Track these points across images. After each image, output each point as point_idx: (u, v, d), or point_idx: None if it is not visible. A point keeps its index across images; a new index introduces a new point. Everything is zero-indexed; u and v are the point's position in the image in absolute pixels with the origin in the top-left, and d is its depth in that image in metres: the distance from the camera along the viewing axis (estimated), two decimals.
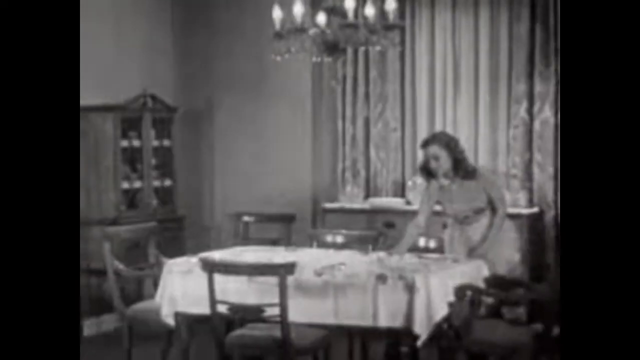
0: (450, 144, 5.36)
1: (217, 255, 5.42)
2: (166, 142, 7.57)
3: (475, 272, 5.14)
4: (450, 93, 7.26)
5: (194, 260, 5.09)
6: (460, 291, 4.74)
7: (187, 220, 7.66)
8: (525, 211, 6.77)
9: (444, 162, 5.33)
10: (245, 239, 6.86)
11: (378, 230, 6.57)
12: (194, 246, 7.11)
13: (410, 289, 4.58)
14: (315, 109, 7.62)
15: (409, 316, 4.56)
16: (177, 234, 7.39)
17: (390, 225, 6.92)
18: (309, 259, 5.13)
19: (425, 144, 5.43)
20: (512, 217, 6.53)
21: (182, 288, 5.06)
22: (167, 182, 7.56)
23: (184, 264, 5.17)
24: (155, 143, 7.45)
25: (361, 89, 7.45)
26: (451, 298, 4.71)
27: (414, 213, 6.60)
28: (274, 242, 6.76)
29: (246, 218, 6.97)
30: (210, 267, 4.66)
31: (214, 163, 8.09)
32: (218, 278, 4.63)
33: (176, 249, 6.93)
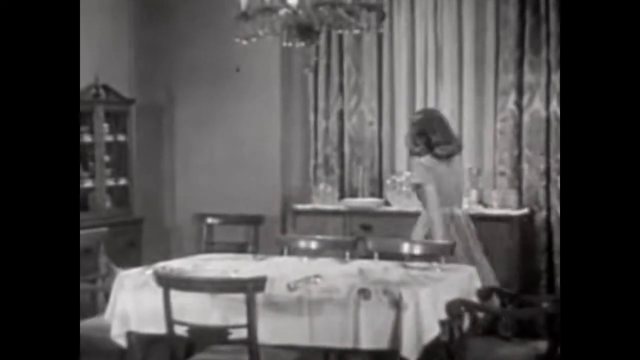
0: None
1: (176, 264, 4.90)
2: (121, 137, 7.18)
3: (467, 283, 4.71)
4: (432, 84, 6.88)
5: (149, 272, 4.60)
6: (453, 307, 4.30)
7: (145, 223, 7.30)
8: (514, 212, 6.32)
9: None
10: (209, 243, 6.74)
11: (356, 234, 6.20)
12: (152, 252, 6.88)
13: (397, 305, 4.10)
14: (285, 101, 7.30)
15: (396, 337, 4.10)
16: (133, 238, 7.03)
17: (367, 228, 6.53)
18: (280, 270, 4.66)
19: None
20: (500, 219, 6.14)
21: (135, 304, 4.54)
22: (122, 181, 7.20)
23: (137, 277, 4.64)
24: (109, 138, 7.07)
25: (335, 80, 7.09)
26: (443, 315, 4.26)
27: (393, 215, 6.27)
28: (241, 246, 6.58)
29: (210, 220, 6.77)
30: (166, 282, 4.11)
31: (174, 160, 7.75)
32: (176, 294, 4.12)
33: (132, 256, 6.72)
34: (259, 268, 4.72)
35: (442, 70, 6.82)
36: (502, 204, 6.36)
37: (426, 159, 5.67)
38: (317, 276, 4.44)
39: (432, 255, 5.15)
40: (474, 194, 6.46)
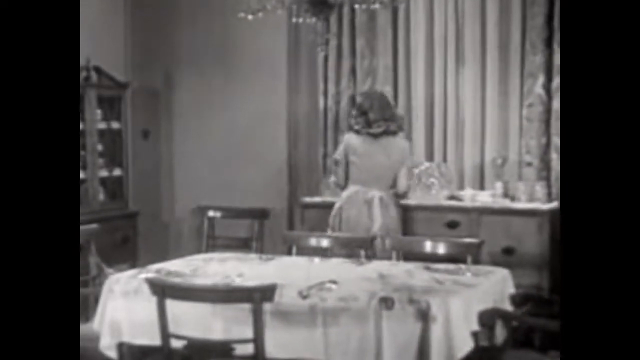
0: None
1: (173, 267, 4.48)
2: (115, 125, 6.93)
3: (501, 288, 4.29)
4: (452, 67, 6.45)
5: (143, 275, 4.19)
6: (487, 318, 3.89)
7: (140, 217, 7.06)
8: (543, 206, 5.84)
9: None
10: (210, 238, 6.50)
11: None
12: (149, 248, 6.78)
13: (425, 316, 3.67)
14: (292, 85, 6.98)
15: (423, 352, 3.69)
16: (128, 233, 6.78)
17: None
18: (289, 274, 4.27)
19: None
20: (529, 213, 5.70)
21: (126, 312, 4.14)
22: (117, 172, 6.94)
23: (128, 281, 4.21)
24: (102, 125, 6.81)
25: (346, 62, 6.72)
26: (475, 326, 3.84)
27: (410, 209, 6.04)
28: (244, 242, 6.38)
29: (211, 213, 6.53)
30: (161, 291, 3.65)
31: (173, 149, 7.52)
32: (173, 302, 3.70)
33: (127, 252, 6.56)
34: (265, 271, 4.36)
35: (463, 52, 6.41)
36: (530, 197, 5.94)
37: (349, 136, 5.73)
38: (331, 281, 4.02)
39: (458, 255, 4.77)
40: (498, 186, 6.05)
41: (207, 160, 7.28)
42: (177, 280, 4.05)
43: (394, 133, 5.68)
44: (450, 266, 4.46)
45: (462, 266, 4.45)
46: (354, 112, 5.80)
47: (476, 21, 6.34)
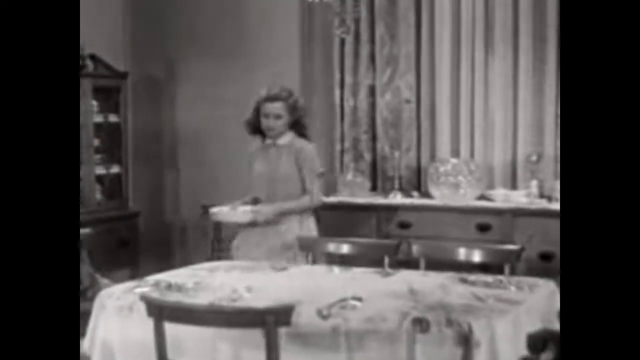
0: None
1: (174, 277, 4.04)
2: (113, 118, 6.66)
3: (549, 304, 3.84)
4: (480, 56, 6.11)
5: (139, 289, 3.79)
6: (537, 341, 3.30)
7: (141, 218, 6.79)
8: None
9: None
10: (217, 240, 6.44)
11: (392, 234, 5.61)
12: (150, 252, 6.54)
13: (466, 341, 3.27)
14: (305, 75, 6.66)
15: None
16: (127, 236, 6.48)
17: (405, 226, 5.81)
18: (306, 288, 3.85)
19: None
20: None
21: (120, 332, 3.72)
22: (115, 169, 6.69)
23: (123, 295, 3.78)
24: (98, 118, 6.55)
25: (364, 50, 6.43)
26: (523, 351, 3.23)
27: (437, 210, 5.77)
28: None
29: None
30: (159, 312, 3.23)
31: (176, 143, 7.24)
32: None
33: (126, 257, 6.32)
34: (278, 284, 3.94)
35: (492, 40, 6.06)
36: None
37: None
38: (355, 298, 3.58)
39: (495, 263, 4.44)
40: (533, 185, 5.70)
41: (214, 156, 7.03)
42: (176, 299, 3.61)
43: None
44: (488, 277, 4.02)
45: (502, 278, 4.02)
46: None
47: (507, 5, 6.01)
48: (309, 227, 4.96)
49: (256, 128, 5.08)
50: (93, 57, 6.36)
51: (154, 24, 7.10)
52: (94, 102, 6.43)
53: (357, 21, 6.31)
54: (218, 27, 6.87)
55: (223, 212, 4.93)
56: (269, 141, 5.04)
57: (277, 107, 4.97)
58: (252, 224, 4.87)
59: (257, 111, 5.01)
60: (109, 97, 6.59)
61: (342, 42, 6.40)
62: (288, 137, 5.00)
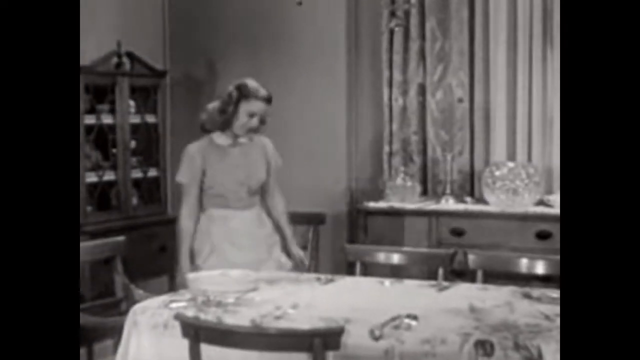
0: None
1: (213, 293, 3.74)
2: (151, 119, 6.49)
3: None
4: (538, 52, 5.87)
5: (176, 304, 3.55)
6: None
7: None
8: None
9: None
10: None
11: (445, 242, 5.40)
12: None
13: None
14: (352, 73, 6.53)
15: None
16: (166, 242, 6.18)
17: (459, 233, 5.58)
18: (356, 304, 3.60)
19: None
20: None
21: (154, 351, 3.51)
22: (152, 173, 6.53)
23: (158, 311, 3.53)
24: (136, 119, 6.37)
25: (414, 46, 6.20)
26: None
27: (492, 217, 5.54)
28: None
29: None
30: (194, 333, 2.95)
31: None
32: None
33: (164, 265, 6.07)
34: (325, 300, 3.67)
35: (551, 36, 5.81)
36: None
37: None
38: (410, 316, 3.32)
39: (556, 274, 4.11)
40: None
41: None
42: (215, 316, 3.36)
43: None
44: (554, 293, 3.72)
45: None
46: None
47: None
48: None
49: (226, 124, 4.58)
50: (130, 55, 6.21)
51: (194, 21, 6.98)
52: (131, 102, 6.27)
53: (407, 15, 6.14)
54: (259, 24, 6.74)
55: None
56: (242, 139, 4.61)
57: (265, 109, 4.58)
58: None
59: (237, 105, 4.54)
60: (146, 97, 6.44)
61: (391, 38, 6.19)
62: None
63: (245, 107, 4.50)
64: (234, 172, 4.54)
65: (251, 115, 4.50)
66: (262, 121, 4.55)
